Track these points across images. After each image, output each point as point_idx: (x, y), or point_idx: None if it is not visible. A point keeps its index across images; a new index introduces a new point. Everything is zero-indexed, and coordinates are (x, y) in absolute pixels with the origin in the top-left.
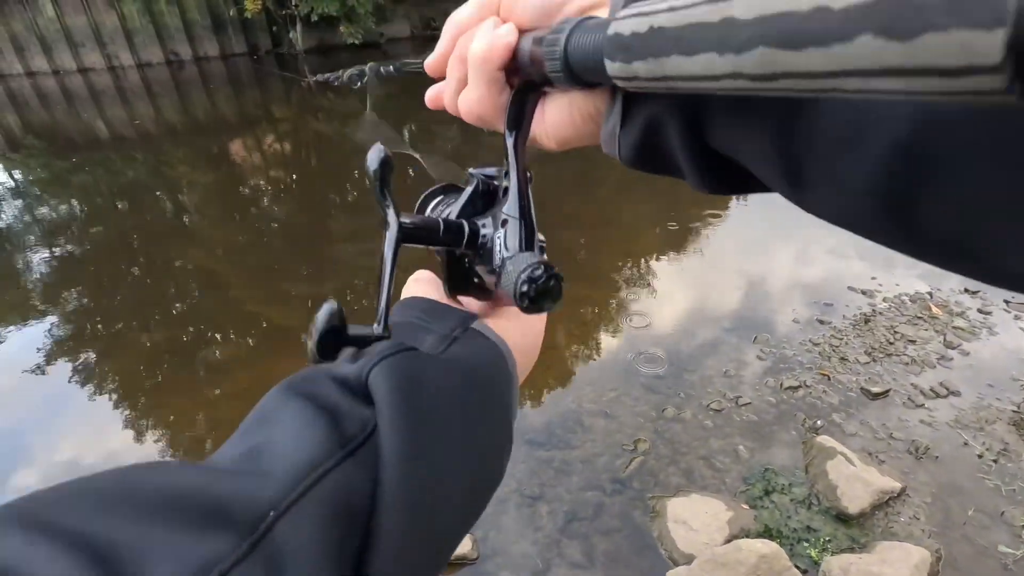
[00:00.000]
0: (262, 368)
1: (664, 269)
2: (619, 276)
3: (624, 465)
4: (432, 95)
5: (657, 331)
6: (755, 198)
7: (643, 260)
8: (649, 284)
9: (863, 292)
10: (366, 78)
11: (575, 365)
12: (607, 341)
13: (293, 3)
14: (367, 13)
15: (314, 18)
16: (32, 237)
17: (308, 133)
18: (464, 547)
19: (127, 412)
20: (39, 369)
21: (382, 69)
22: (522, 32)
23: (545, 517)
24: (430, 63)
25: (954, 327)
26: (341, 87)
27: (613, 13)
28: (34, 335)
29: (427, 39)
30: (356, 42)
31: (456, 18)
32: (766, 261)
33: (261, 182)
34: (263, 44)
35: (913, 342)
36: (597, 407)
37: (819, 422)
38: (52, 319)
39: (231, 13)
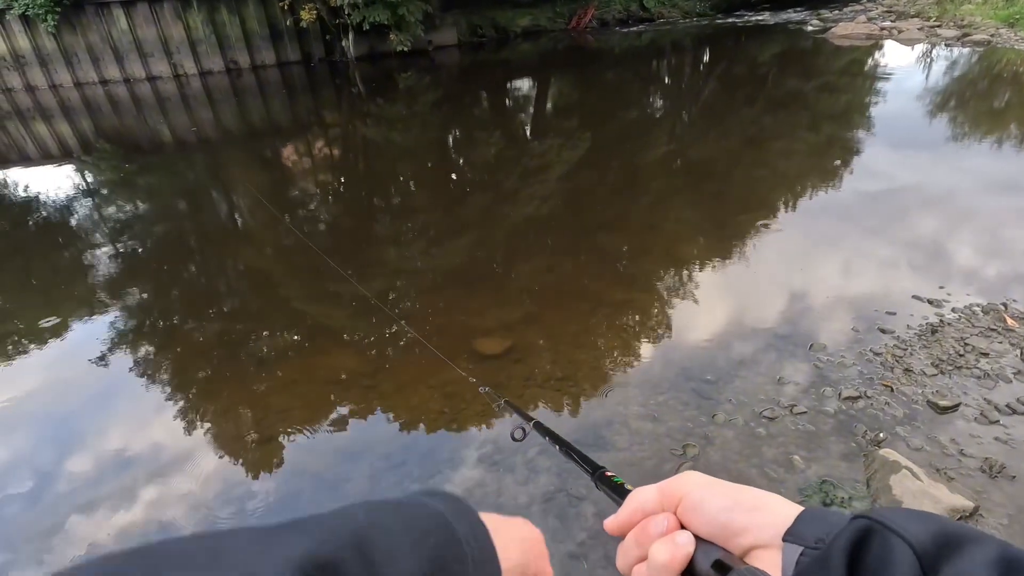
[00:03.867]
0: (307, 363)
1: (711, 275)
2: (664, 281)
3: (672, 470)
4: (612, 529)
5: (706, 336)
6: (802, 208)
7: (689, 265)
8: (696, 289)
9: (930, 301)
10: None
11: (621, 368)
12: (654, 345)
13: (346, 12)
14: (416, 21)
15: (365, 27)
16: (99, 235)
17: (356, 138)
18: None
19: (180, 402)
20: (101, 360)
21: None
22: (698, 540)
23: (590, 518)
24: (611, 526)
25: None
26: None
27: None
28: (97, 327)
29: (474, 46)
30: (405, 49)
31: (641, 501)
32: (818, 268)
33: (310, 185)
34: (316, 52)
35: (986, 355)
36: (645, 411)
37: (882, 434)
38: (114, 313)
39: (287, 23)
